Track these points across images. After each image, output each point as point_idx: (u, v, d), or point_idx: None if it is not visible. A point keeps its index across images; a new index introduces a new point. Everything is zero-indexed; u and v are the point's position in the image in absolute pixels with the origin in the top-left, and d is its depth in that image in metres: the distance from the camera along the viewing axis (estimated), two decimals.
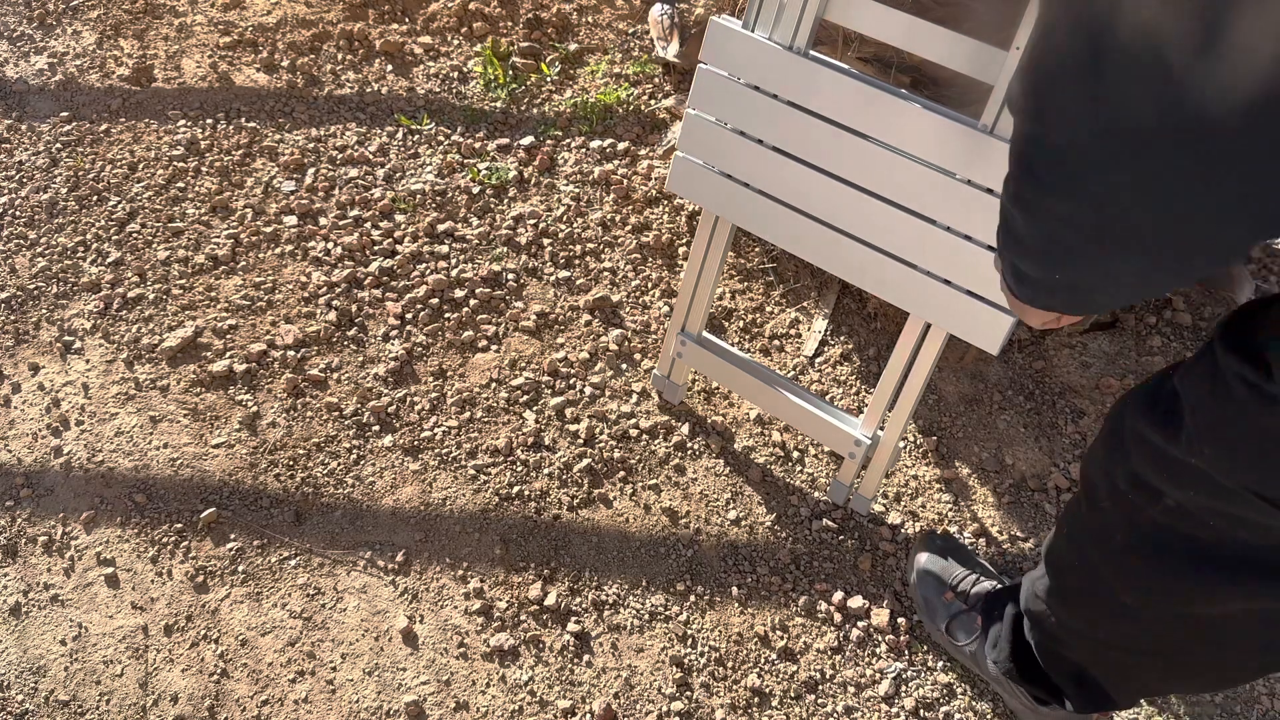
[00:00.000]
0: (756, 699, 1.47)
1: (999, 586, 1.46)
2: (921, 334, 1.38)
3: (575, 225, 1.98)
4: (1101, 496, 1.03)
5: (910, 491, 1.66)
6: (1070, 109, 0.64)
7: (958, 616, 1.44)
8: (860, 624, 1.53)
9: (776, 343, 1.83)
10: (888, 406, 1.49)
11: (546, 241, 1.96)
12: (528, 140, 2.11)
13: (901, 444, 1.64)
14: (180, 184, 2.05)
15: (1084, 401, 1.75)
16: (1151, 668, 1.16)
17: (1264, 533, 0.87)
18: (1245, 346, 0.79)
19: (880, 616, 1.52)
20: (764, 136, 1.33)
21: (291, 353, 1.80)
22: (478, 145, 2.12)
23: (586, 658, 1.50)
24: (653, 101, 2.18)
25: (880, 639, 1.52)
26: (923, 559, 1.52)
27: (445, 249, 1.94)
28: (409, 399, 1.75)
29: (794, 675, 1.49)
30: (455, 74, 2.25)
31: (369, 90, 2.22)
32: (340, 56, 2.29)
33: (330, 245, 1.94)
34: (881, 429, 1.52)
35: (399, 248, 1.94)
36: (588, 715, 1.45)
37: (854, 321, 1.85)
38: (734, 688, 1.48)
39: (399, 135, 2.13)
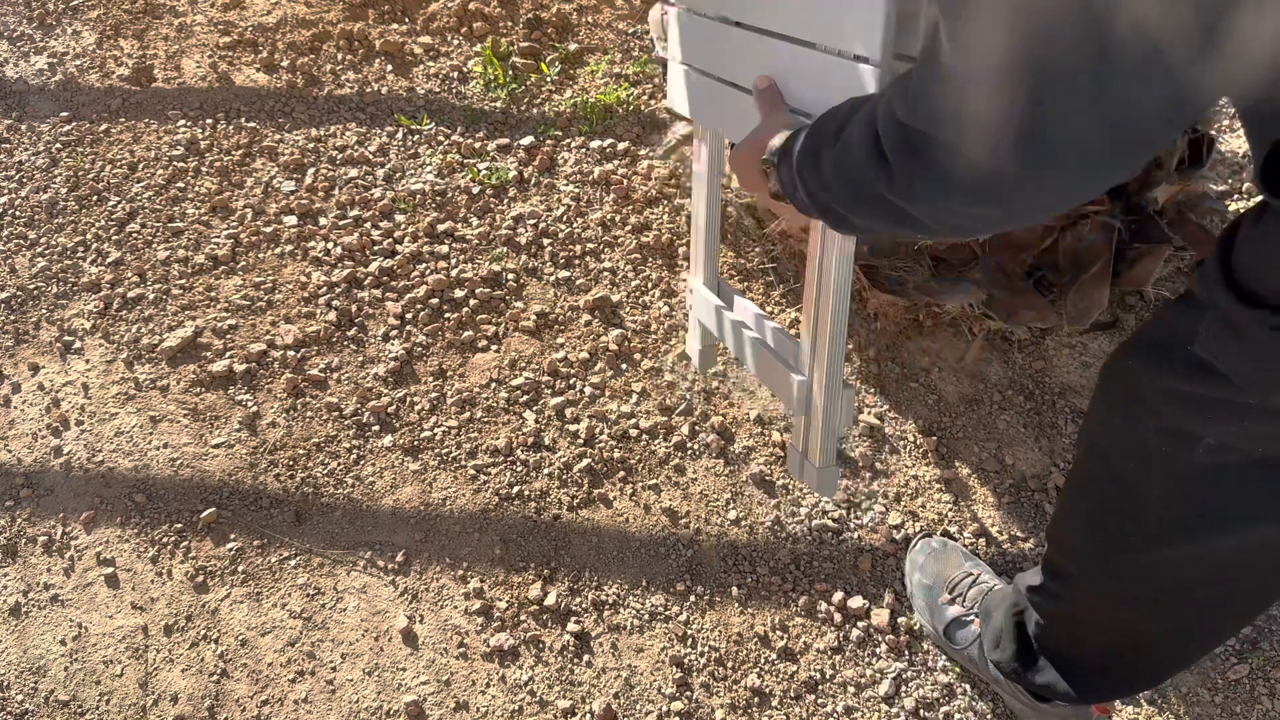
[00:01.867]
0: (756, 699, 1.47)
1: (995, 587, 1.45)
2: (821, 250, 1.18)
3: (575, 225, 1.98)
4: (1124, 461, 1.01)
5: (910, 491, 1.66)
6: (1072, 108, 0.64)
7: (956, 620, 1.44)
8: (860, 624, 1.53)
9: None
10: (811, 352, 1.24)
11: (546, 241, 1.96)
12: (528, 140, 2.11)
13: (856, 409, 1.54)
14: (180, 184, 2.05)
15: (1084, 401, 1.75)
16: (1194, 626, 1.15)
17: None
18: (1249, 294, 0.80)
19: (880, 616, 1.52)
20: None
21: (291, 353, 1.80)
22: (478, 145, 2.12)
23: (586, 658, 1.50)
24: (653, 101, 2.18)
25: (880, 639, 1.52)
26: (919, 561, 1.52)
27: (445, 249, 1.94)
28: (409, 399, 1.75)
29: (794, 675, 1.49)
30: (455, 74, 2.25)
31: (369, 90, 2.22)
32: (340, 56, 2.29)
33: (330, 245, 1.94)
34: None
35: (399, 248, 1.94)
36: (588, 715, 1.45)
37: (854, 321, 1.85)
38: (734, 688, 1.48)
39: (399, 135, 2.13)
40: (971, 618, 1.43)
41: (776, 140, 1.01)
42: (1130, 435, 1.00)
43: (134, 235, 1.97)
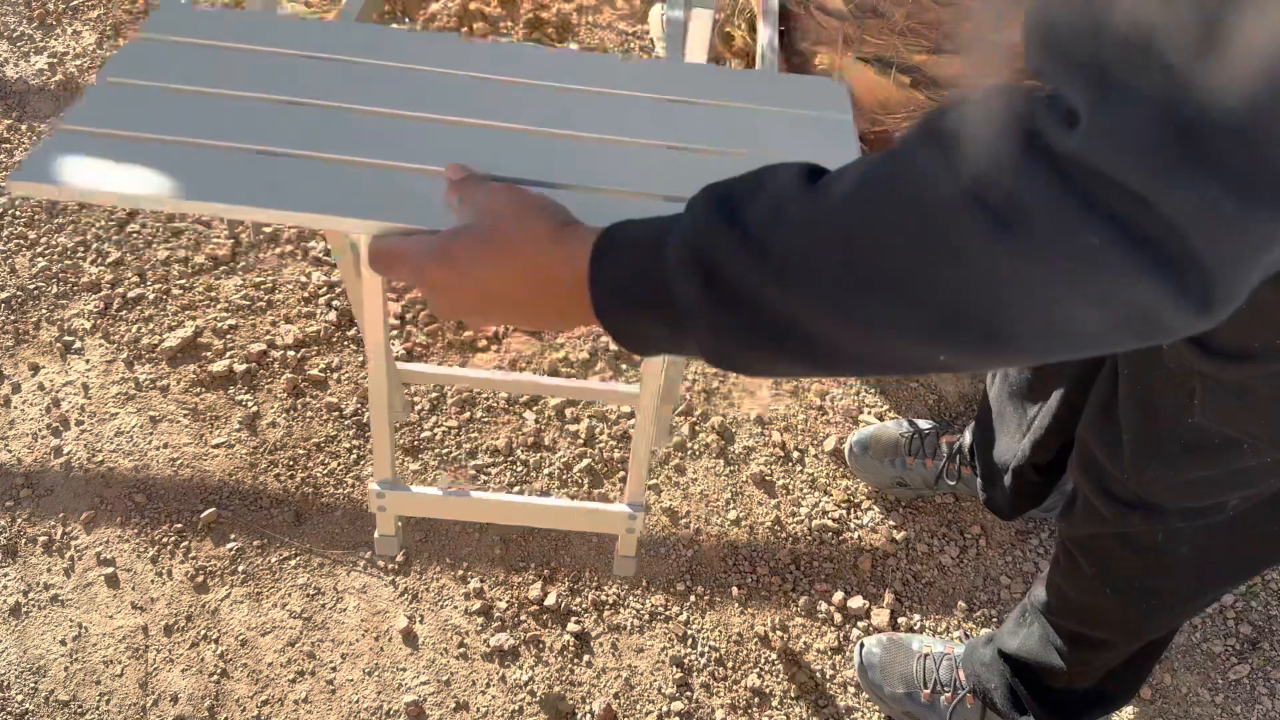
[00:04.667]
0: (756, 699, 1.47)
1: (958, 654, 1.42)
2: None
3: None
4: (1149, 538, 1.02)
5: None
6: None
7: (954, 710, 1.40)
8: (860, 624, 1.53)
9: None
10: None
11: None
12: None
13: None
14: None
15: None
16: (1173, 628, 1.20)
17: None
18: (1227, 350, 0.80)
19: (880, 616, 1.52)
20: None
21: (291, 353, 1.80)
22: None
23: (586, 658, 1.50)
24: None
25: None
26: (876, 679, 1.44)
27: None
28: (409, 399, 1.75)
29: (794, 675, 1.49)
30: None
31: None
32: None
33: (330, 245, 1.94)
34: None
35: None
36: (588, 715, 1.45)
37: None
38: (734, 688, 1.48)
39: None
40: (964, 697, 1.39)
41: (580, 248, 0.57)
42: (1153, 523, 1.00)
43: (134, 235, 1.97)
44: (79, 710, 1.46)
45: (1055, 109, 0.45)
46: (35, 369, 1.80)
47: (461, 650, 1.50)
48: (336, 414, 1.73)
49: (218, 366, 1.78)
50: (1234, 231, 0.43)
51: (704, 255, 0.51)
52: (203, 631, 1.52)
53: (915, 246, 0.46)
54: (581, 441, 1.70)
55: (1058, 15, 0.45)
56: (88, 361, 1.80)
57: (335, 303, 1.86)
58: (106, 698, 1.47)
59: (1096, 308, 0.46)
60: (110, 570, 1.58)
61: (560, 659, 1.50)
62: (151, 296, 1.88)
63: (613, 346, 1.82)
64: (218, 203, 0.71)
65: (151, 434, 1.72)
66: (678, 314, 0.53)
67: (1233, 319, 0.77)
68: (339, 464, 1.68)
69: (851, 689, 1.48)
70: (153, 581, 1.57)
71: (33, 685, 1.48)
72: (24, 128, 2.16)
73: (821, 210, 0.49)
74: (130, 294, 1.88)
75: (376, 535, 1.20)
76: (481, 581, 1.56)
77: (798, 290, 0.49)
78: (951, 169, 0.46)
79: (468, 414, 1.74)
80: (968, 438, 1.54)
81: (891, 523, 1.63)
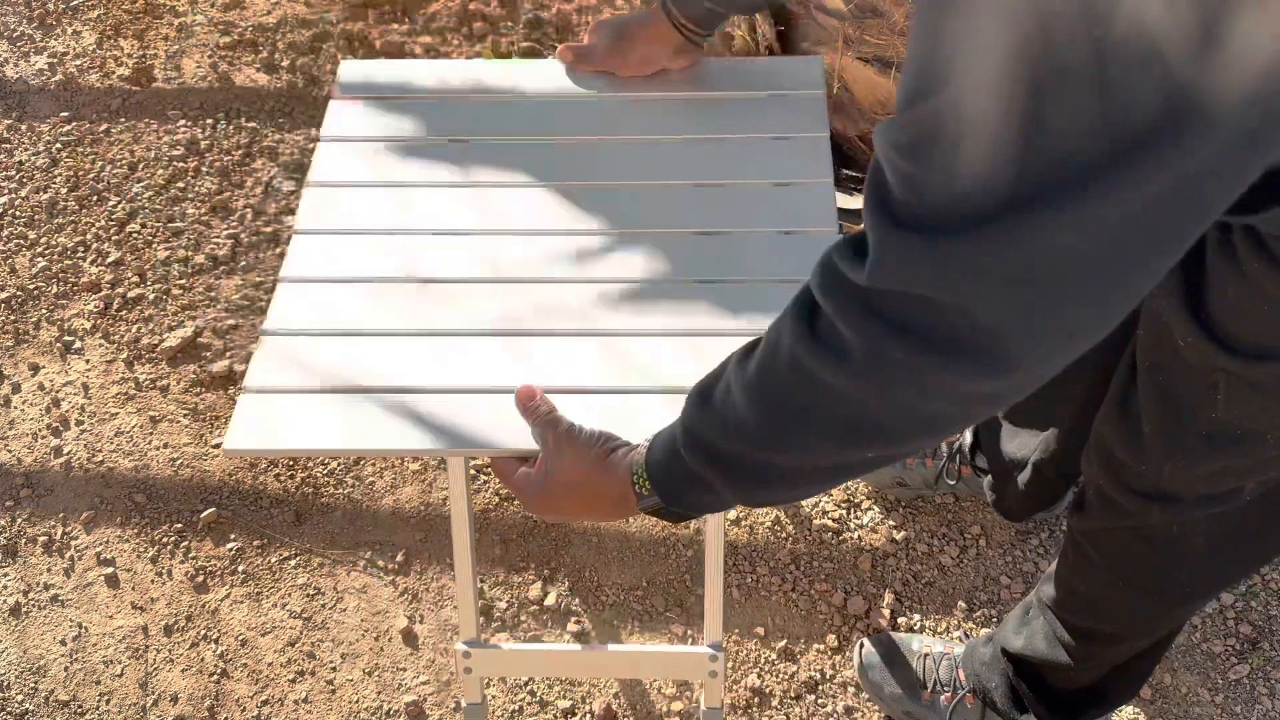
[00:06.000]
0: (756, 699, 1.47)
1: (958, 653, 1.42)
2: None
3: None
4: (1165, 529, 1.02)
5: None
6: (1073, 106, 0.64)
7: (954, 710, 1.39)
8: (860, 624, 1.53)
9: None
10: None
11: None
12: None
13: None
14: (180, 184, 2.05)
15: None
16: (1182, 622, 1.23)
17: None
18: (1245, 349, 0.80)
19: (880, 616, 1.52)
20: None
21: None
22: None
23: None
24: None
25: None
26: (876, 678, 1.43)
27: None
28: None
29: (794, 675, 1.49)
30: None
31: None
32: (341, 56, 2.29)
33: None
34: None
35: None
36: (588, 715, 1.45)
37: None
38: (734, 688, 1.48)
39: None
40: (964, 697, 1.39)
41: (619, 455, 0.82)
42: (1171, 514, 1.00)
43: (134, 235, 1.97)
44: (79, 710, 1.46)
45: (852, 247, 0.57)
46: (35, 369, 1.80)
47: None
48: None
49: (218, 366, 1.78)
50: (1008, 299, 0.52)
51: (703, 442, 0.71)
52: (203, 631, 1.52)
53: (801, 392, 0.63)
54: None
55: (874, 160, 0.55)
56: (88, 361, 1.80)
57: None
58: (106, 698, 1.47)
59: (938, 400, 0.58)
60: (110, 570, 1.58)
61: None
62: (151, 296, 1.88)
63: None
64: (387, 446, 0.97)
65: (151, 434, 1.72)
66: (712, 489, 0.72)
67: (1256, 322, 0.77)
68: (339, 464, 1.68)
69: (851, 689, 1.48)
70: (153, 581, 1.57)
71: (33, 685, 1.48)
72: (24, 128, 2.16)
73: (747, 385, 0.67)
74: (130, 294, 1.88)
75: (464, 704, 1.28)
76: (481, 581, 1.56)
77: (755, 442, 0.68)
78: (804, 325, 0.61)
79: None
80: (968, 438, 1.54)
81: (891, 523, 1.63)
